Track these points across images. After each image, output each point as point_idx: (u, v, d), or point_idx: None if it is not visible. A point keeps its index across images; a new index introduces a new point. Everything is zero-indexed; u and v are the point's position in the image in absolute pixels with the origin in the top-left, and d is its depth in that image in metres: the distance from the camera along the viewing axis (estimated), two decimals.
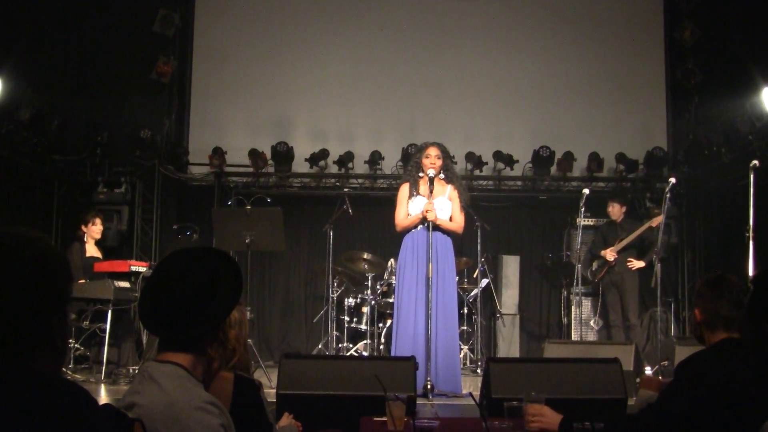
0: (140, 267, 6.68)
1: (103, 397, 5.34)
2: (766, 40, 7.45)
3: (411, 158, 6.31)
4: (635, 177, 8.83)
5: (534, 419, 2.58)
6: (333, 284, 7.59)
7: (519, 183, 8.94)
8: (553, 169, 8.72)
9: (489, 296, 8.36)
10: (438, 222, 5.64)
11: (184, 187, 8.97)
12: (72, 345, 6.33)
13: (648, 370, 6.15)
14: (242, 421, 2.05)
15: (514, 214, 9.12)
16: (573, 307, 7.88)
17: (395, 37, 9.09)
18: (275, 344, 8.70)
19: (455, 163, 6.64)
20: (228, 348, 2.41)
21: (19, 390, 1.24)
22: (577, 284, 7.00)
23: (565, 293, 8.35)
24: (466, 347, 7.79)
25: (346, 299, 7.76)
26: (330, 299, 7.54)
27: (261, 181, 8.82)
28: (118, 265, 6.69)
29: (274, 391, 4.12)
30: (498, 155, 8.63)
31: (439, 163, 5.77)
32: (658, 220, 6.90)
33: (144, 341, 6.53)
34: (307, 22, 9.06)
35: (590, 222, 8.04)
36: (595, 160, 8.59)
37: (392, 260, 7.45)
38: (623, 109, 9.01)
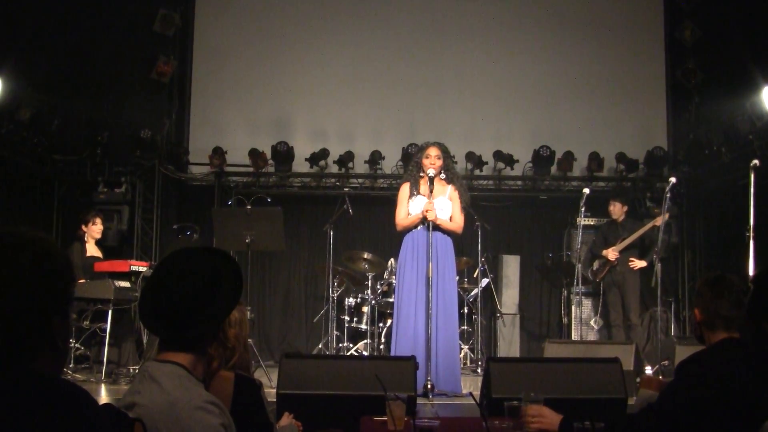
0: (140, 267, 6.68)
1: (104, 396, 5.34)
2: (767, 40, 7.46)
3: (411, 158, 6.31)
4: (635, 177, 8.82)
5: (534, 420, 2.57)
6: (333, 284, 7.59)
7: (519, 183, 8.94)
8: (554, 168, 8.72)
9: (489, 296, 8.36)
10: (438, 222, 5.64)
11: (185, 186, 8.97)
12: (72, 345, 6.33)
13: (648, 370, 6.15)
14: (243, 420, 2.05)
15: (514, 213, 9.11)
16: (573, 306, 7.87)
17: (395, 37, 9.09)
18: (275, 344, 8.70)
19: (455, 162, 6.64)
20: (228, 347, 2.42)
21: (20, 390, 1.24)
22: (578, 284, 6.99)
23: (565, 293, 8.35)
24: (467, 347, 7.79)
25: (346, 299, 7.76)
26: (330, 299, 7.54)
27: (261, 180, 8.82)
28: (118, 265, 6.69)
29: (275, 390, 4.12)
30: (498, 155, 8.63)
31: (439, 163, 5.77)
32: (661, 219, 6.90)
33: (144, 341, 6.53)
34: (307, 22, 9.05)
35: (590, 222, 8.04)
36: (595, 159, 8.59)
37: (392, 260, 7.45)
38: (623, 108, 9.01)
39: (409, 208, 5.80)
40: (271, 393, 4.08)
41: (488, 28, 9.11)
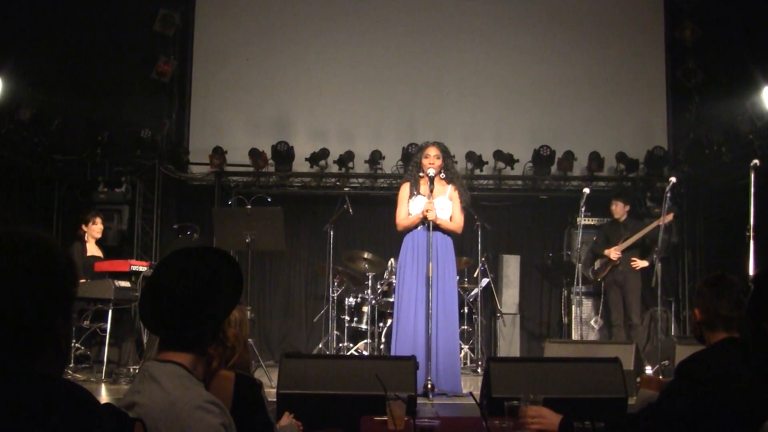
0: (141, 266, 6.68)
1: (104, 396, 5.34)
2: (767, 40, 7.45)
3: (411, 158, 6.31)
4: (636, 176, 8.83)
5: (533, 421, 2.57)
6: (333, 284, 7.58)
7: (519, 182, 8.94)
8: (554, 168, 8.72)
9: (489, 296, 8.36)
10: (438, 221, 5.64)
11: (185, 186, 8.97)
12: (73, 344, 6.33)
13: (648, 370, 6.14)
14: (243, 420, 2.05)
15: (514, 213, 9.11)
16: (573, 306, 7.88)
17: (395, 37, 9.09)
18: (275, 343, 8.70)
19: (456, 162, 6.64)
20: (228, 347, 2.42)
21: (21, 391, 1.23)
22: (578, 284, 7.00)
23: (565, 293, 8.36)
24: (467, 347, 7.79)
25: (346, 299, 7.77)
26: (330, 299, 7.54)
27: (261, 180, 8.82)
28: (118, 265, 6.69)
29: (275, 390, 4.12)
30: (498, 155, 8.64)
31: (438, 162, 5.77)
32: (667, 218, 6.90)
33: (144, 341, 6.53)
34: (307, 22, 9.06)
35: (591, 221, 8.04)
36: (595, 159, 8.59)
37: (392, 260, 7.45)
38: (624, 108, 9.01)
39: (409, 208, 5.80)
40: (271, 393, 4.08)
41: (488, 28, 9.11)
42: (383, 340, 7.45)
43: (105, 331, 6.24)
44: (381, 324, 7.54)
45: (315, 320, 8.35)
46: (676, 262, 8.94)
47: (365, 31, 9.10)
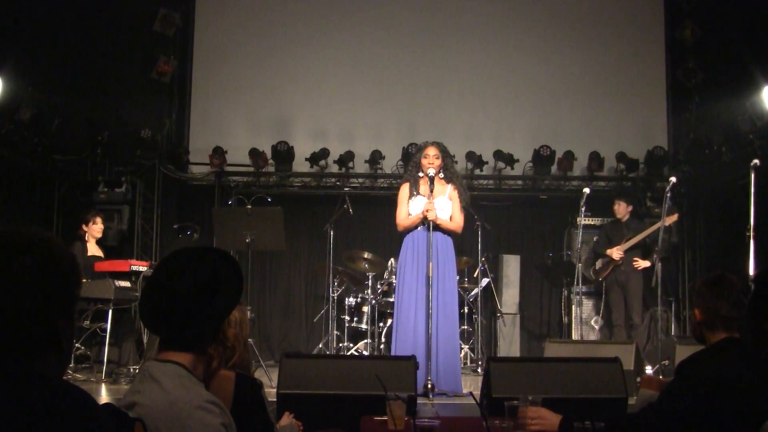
0: (141, 266, 6.68)
1: (104, 396, 5.35)
2: (767, 40, 7.45)
3: (411, 158, 6.31)
4: (636, 176, 8.83)
5: (533, 422, 2.56)
6: (333, 284, 7.59)
7: (519, 182, 8.94)
8: (554, 168, 8.72)
9: (489, 295, 8.36)
10: (438, 221, 5.64)
11: (185, 186, 8.97)
12: (74, 344, 6.32)
13: (648, 370, 6.15)
14: (243, 420, 2.05)
15: (514, 213, 9.11)
16: (573, 306, 7.88)
17: (395, 36, 9.08)
18: (276, 343, 8.70)
19: (455, 162, 6.64)
20: (228, 347, 2.41)
21: (18, 392, 1.23)
22: (578, 283, 6.99)
23: (565, 292, 8.36)
24: (467, 346, 7.79)
25: (346, 298, 7.77)
26: (330, 298, 7.54)
27: (261, 180, 8.82)
28: (118, 265, 6.69)
29: (275, 390, 4.12)
30: (498, 154, 8.64)
31: (437, 162, 5.77)
32: (671, 219, 6.90)
33: (145, 341, 6.53)
34: (307, 21, 9.05)
35: (591, 221, 8.04)
36: (595, 159, 8.59)
37: (392, 260, 7.45)
38: (624, 108, 9.01)
39: (409, 208, 5.80)
40: (271, 393, 4.08)
41: (488, 28, 9.11)
42: (383, 340, 7.45)
43: (105, 331, 6.23)
44: (381, 324, 7.54)
45: (315, 320, 8.35)
46: (676, 262, 8.94)
47: (365, 30, 9.10)
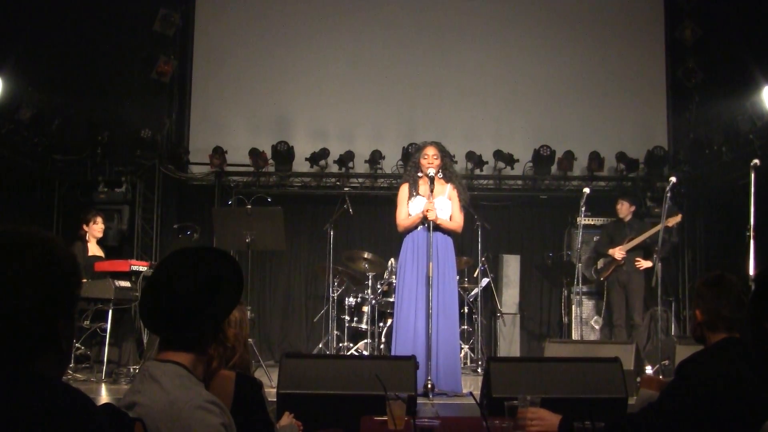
0: (141, 266, 6.68)
1: (104, 396, 5.35)
2: (767, 40, 7.45)
3: (410, 158, 6.31)
4: (636, 176, 8.83)
5: (533, 423, 2.56)
6: (333, 283, 7.59)
7: (519, 182, 8.94)
8: (554, 168, 8.72)
9: (489, 295, 8.36)
10: (438, 221, 5.64)
11: (185, 186, 8.97)
12: (74, 344, 6.33)
13: (648, 370, 6.15)
14: (243, 420, 2.05)
15: (514, 213, 9.11)
16: (573, 306, 7.87)
17: (395, 36, 9.09)
18: (276, 343, 8.70)
19: (455, 162, 6.64)
20: (228, 347, 2.41)
21: (18, 393, 1.22)
22: (578, 283, 6.99)
23: (565, 292, 8.35)
24: (467, 346, 7.79)
25: (346, 298, 7.76)
26: (330, 298, 7.54)
27: (261, 180, 8.82)
28: (118, 265, 6.68)
29: (275, 390, 4.12)
30: (498, 154, 8.64)
31: (437, 162, 5.77)
32: (674, 221, 6.89)
33: (145, 341, 6.53)
34: (307, 21, 9.06)
35: (591, 221, 8.04)
36: (595, 159, 8.59)
37: (392, 259, 7.45)
38: (624, 108, 9.01)
39: (409, 208, 5.80)
40: (271, 393, 4.08)
41: (488, 28, 9.11)
42: (383, 340, 7.45)
43: (105, 331, 6.23)
44: (381, 324, 7.54)
45: (315, 320, 8.35)
46: (676, 261, 8.94)
47: (365, 30, 9.10)
